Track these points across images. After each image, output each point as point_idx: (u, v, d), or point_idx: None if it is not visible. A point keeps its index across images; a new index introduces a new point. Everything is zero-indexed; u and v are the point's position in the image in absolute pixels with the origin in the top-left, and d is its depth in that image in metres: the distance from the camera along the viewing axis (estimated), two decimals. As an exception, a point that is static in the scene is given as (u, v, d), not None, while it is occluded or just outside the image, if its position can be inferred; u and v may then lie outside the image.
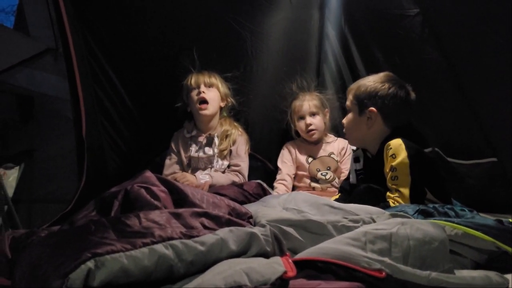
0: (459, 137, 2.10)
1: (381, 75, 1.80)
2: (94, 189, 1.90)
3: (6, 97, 2.36)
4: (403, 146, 1.58)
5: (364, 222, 1.10)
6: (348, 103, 1.83)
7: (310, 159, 2.31)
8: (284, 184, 2.26)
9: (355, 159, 1.91)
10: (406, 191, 1.54)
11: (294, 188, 2.32)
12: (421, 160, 1.60)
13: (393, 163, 1.58)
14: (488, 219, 1.27)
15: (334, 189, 2.28)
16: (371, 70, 2.22)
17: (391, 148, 1.60)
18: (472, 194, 1.99)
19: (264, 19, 2.22)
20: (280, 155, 2.35)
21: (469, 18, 1.86)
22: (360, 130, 1.78)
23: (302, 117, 2.28)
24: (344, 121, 1.85)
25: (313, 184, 2.31)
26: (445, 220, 1.14)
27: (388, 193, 1.60)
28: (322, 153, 2.32)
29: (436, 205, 1.36)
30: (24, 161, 2.46)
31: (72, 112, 2.04)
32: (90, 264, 0.73)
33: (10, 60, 2.34)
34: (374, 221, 1.12)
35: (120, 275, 0.75)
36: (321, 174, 2.29)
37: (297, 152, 2.33)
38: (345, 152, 2.32)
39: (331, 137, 2.38)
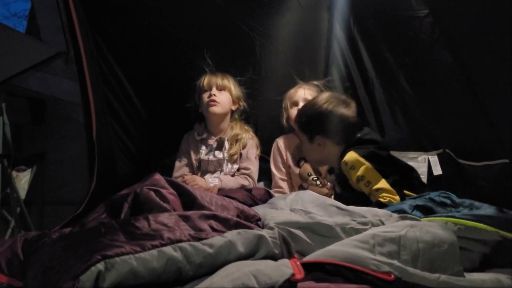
0: (470, 138, 2.08)
1: (321, 99, 1.85)
2: (104, 191, 1.92)
3: (19, 101, 2.40)
4: (356, 155, 1.66)
5: (373, 225, 1.10)
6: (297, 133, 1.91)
7: (301, 162, 2.17)
8: (280, 192, 2.18)
9: (329, 171, 1.99)
10: (384, 184, 1.59)
11: None
12: (379, 157, 1.67)
13: (358, 173, 1.64)
14: (487, 208, 1.27)
15: None
16: (381, 71, 2.22)
17: (347, 163, 1.68)
18: (484, 195, 1.97)
19: (273, 21, 2.22)
20: (271, 154, 2.25)
21: (479, 19, 1.85)
22: (317, 155, 1.87)
23: (296, 104, 2.17)
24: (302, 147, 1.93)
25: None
26: (445, 216, 1.14)
27: (372, 199, 1.63)
28: None
29: (432, 195, 1.38)
30: (36, 163, 2.50)
31: (82, 115, 2.06)
32: (100, 266, 0.74)
33: (22, 64, 2.39)
34: (383, 224, 1.12)
35: (130, 277, 0.75)
36: (313, 179, 2.14)
37: (288, 153, 2.21)
38: None
39: None
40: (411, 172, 1.76)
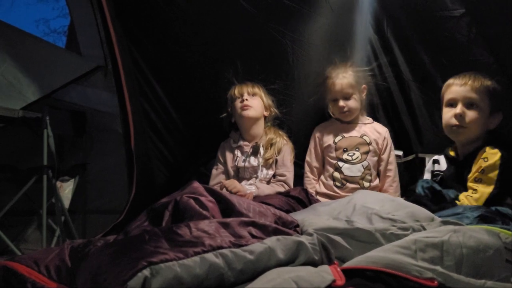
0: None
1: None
2: (143, 199, 1.97)
3: (61, 114, 2.49)
4: (499, 154, 1.59)
5: (414, 230, 1.08)
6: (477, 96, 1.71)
7: (338, 138, 2.15)
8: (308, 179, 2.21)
9: (434, 161, 1.90)
10: (485, 192, 1.55)
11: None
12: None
13: (483, 165, 1.59)
14: None
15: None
16: (417, 72, 2.19)
17: (486, 151, 1.62)
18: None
19: (305, 26, 2.22)
20: (310, 143, 2.24)
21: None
22: (480, 129, 1.71)
23: (335, 100, 2.13)
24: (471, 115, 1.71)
25: (335, 174, 2.11)
26: (500, 227, 1.10)
27: (463, 193, 1.59)
28: (353, 133, 2.15)
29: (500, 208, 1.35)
30: (78, 173, 2.58)
31: (121, 125, 2.12)
32: (146, 272, 0.76)
33: (64, 79, 2.49)
34: (424, 229, 1.10)
35: (174, 283, 0.77)
36: (348, 154, 2.11)
37: (324, 135, 2.19)
38: (386, 143, 2.14)
39: (367, 119, 2.21)
40: None
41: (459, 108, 1.71)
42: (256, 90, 2.19)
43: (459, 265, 0.89)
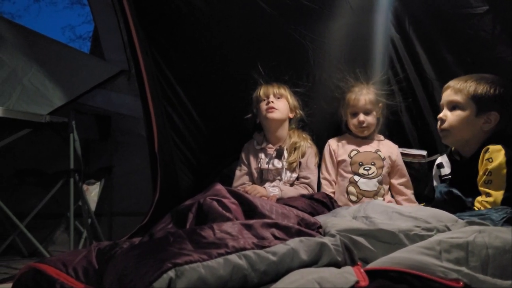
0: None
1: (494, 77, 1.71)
2: (167, 201, 2.00)
3: (87, 118, 2.55)
4: (502, 151, 1.55)
5: (438, 231, 1.07)
6: (458, 99, 1.70)
7: (353, 153, 2.16)
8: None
9: (438, 165, 1.90)
10: (499, 195, 1.51)
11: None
12: None
13: (489, 167, 1.55)
14: None
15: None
16: (441, 72, 2.16)
17: (489, 151, 1.57)
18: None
19: (325, 27, 2.21)
20: (323, 155, 2.23)
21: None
22: (470, 131, 1.68)
23: (356, 114, 2.16)
24: (452, 117, 1.72)
25: (350, 188, 2.11)
26: None
27: (478, 198, 1.56)
28: (368, 148, 2.17)
29: None
30: (104, 177, 2.63)
31: (145, 129, 2.16)
32: (171, 273, 0.78)
33: (88, 84, 2.54)
34: (449, 229, 1.08)
35: (199, 284, 0.79)
36: (364, 168, 2.12)
37: (339, 149, 2.19)
38: (399, 157, 2.18)
39: (380, 136, 2.24)
40: None
41: (441, 113, 1.75)
42: (282, 91, 2.19)
43: (485, 265, 0.88)
